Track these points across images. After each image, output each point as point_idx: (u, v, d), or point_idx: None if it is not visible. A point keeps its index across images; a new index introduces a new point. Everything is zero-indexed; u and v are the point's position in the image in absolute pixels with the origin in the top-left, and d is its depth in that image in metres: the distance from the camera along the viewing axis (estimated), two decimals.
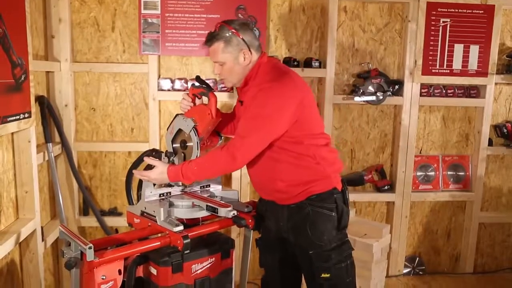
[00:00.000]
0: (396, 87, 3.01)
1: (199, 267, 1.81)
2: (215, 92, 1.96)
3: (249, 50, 1.80)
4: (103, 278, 1.56)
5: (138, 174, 1.87)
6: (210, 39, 1.81)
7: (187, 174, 1.76)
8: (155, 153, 2.06)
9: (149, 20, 2.74)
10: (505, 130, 3.15)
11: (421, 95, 3.03)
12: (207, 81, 2.04)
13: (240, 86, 1.88)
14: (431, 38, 2.96)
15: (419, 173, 3.19)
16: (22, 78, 2.07)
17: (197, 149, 1.91)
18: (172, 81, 2.83)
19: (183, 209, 1.84)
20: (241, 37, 1.79)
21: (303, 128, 1.77)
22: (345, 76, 3.05)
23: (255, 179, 1.95)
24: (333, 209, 1.81)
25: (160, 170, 1.80)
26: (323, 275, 1.79)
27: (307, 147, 1.78)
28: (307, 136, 1.79)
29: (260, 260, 2.07)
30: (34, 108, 2.21)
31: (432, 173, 3.21)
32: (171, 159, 1.96)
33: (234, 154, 1.71)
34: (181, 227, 1.71)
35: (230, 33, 1.78)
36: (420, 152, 3.20)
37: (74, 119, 2.82)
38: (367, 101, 2.93)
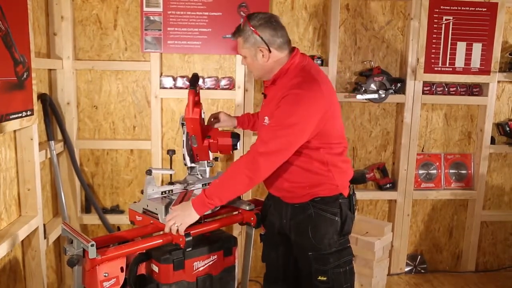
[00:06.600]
0: (398, 85, 3.00)
1: (201, 264, 1.82)
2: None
3: (268, 49, 1.75)
4: (105, 276, 1.56)
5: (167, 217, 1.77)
6: (235, 33, 1.83)
7: (209, 192, 1.71)
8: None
9: (151, 18, 2.74)
10: (507, 128, 3.14)
11: (423, 93, 3.02)
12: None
13: (267, 84, 1.87)
14: (434, 36, 2.95)
15: (421, 171, 3.18)
16: (25, 76, 2.07)
17: (187, 144, 1.96)
18: (174, 79, 2.82)
19: None
20: (259, 35, 1.74)
21: (322, 139, 1.75)
22: (347, 74, 3.04)
23: None
24: (336, 213, 1.80)
25: (183, 204, 1.76)
26: (319, 278, 1.79)
27: (321, 155, 1.77)
28: (324, 145, 1.77)
29: (263, 254, 2.06)
30: (37, 106, 2.21)
31: (434, 171, 3.20)
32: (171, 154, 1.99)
33: (256, 159, 1.66)
34: None
35: (249, 32, 1.76)
36: (422, 150, 3.20)
37: (76, 117, 2.82)
38: (369, 99, 2.92)
